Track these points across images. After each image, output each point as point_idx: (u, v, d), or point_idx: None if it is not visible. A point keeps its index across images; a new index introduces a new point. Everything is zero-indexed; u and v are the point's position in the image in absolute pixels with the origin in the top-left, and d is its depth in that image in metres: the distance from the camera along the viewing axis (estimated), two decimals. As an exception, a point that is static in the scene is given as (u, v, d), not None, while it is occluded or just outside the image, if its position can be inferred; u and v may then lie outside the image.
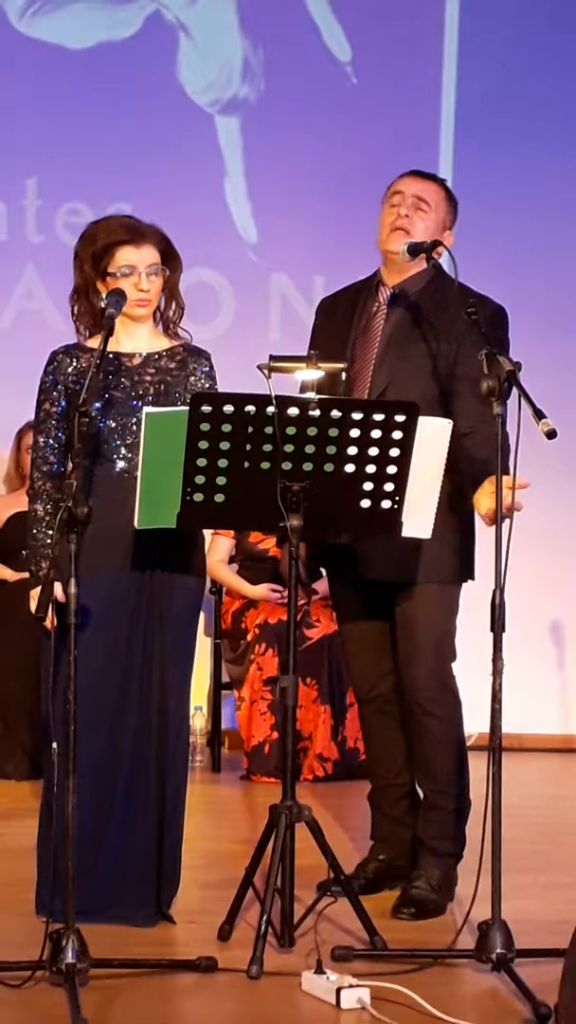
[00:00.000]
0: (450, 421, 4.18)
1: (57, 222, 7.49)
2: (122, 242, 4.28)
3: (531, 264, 7.58)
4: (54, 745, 3.81)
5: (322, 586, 6.11)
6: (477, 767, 4.42)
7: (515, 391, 3.91)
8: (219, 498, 4.00)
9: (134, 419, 4.24)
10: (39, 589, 4.05)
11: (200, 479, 3.98)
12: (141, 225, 4.33)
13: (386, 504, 4.08)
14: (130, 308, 4.25)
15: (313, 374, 4.32)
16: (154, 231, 4.34)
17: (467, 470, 4.30)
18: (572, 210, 7.74)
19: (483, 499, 4.17)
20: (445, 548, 4.46)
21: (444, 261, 4.56)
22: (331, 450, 4.01)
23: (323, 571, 5.13)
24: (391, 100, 7.65)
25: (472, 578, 4.57)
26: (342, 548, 4.54)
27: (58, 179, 7.51)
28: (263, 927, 3.90)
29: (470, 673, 4.54)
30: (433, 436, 4.08)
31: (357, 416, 3.99)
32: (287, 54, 7.68)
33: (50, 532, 4.23)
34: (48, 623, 4.04)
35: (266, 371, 4.12)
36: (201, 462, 3.97)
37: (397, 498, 4.08)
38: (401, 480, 4.06)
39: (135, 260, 4.27)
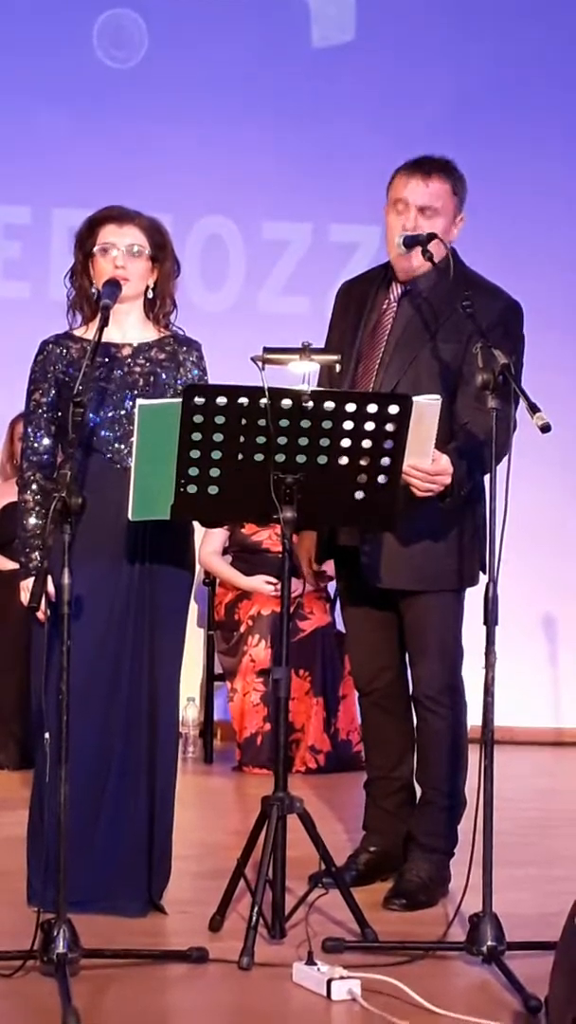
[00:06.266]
0: (439, 397, 4.16)
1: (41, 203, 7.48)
2: (104, 220, 4.31)
3: (527, 257, 7.55)
4: (46, 735, 3.82)
5: (330, 567, 6.07)
6: (469, 760, 4.43)
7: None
8: (213, 490, 4.00)
9: (124, 410, 4.24)
10: (31, 580, 4.06)
11: (194, 471, 3.98)
12: (129, 209, 4.35)
13: (380, 496, 4.08)
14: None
15: (306, 366, 4.32)
16: (143, 216, 4.35)
17: (456, 468, 4.28)
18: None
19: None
20: (451, 556, 4.45)
21: (463, 248, 4.48)
22: (325, 442, 4.00)
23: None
24: (395, 83, 7.62)
25: (476, 583, 4.53)
26: (348, 553, 4.54)
27: (39, 160, 7.47)
28: (254, 918, 3.90)
29: (464, 666, 4.54)
30: (423, 412, 4.07)
31: (351, 408, 3.99)
32: (287, 40, 7.66)
33: (40, 522, 4.23)
34: (41, 614, 4.05)
35: (260, 363, 4.11)
36: (194, 454, 3.97)
37: (391, 490, 4.08)
38: (395, 472, 4.06)
39: (114, 238, 4.29)
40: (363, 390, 4.43)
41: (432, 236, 4.36)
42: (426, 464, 4.17)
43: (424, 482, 4.19)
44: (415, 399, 4.04)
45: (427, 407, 4.08)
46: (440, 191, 4.44)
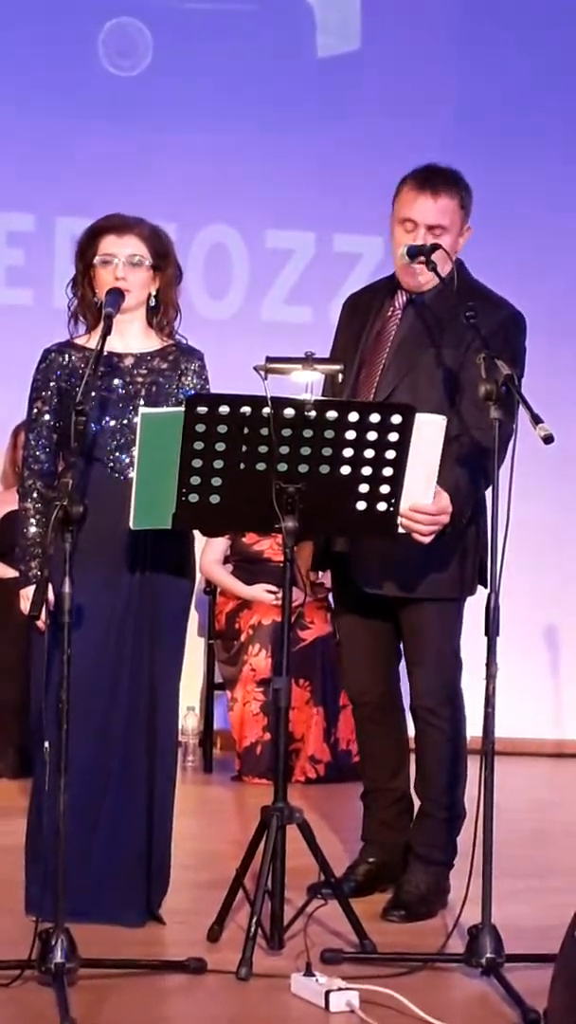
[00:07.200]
0: (443, 417, 4.15)
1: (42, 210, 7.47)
2: (104, 231, 4.30)
3: (532, 267, 7.55)
4: (45, 744, 3.81)
5: (326, 578, 6.07)
6: (470, 771, 4.41)
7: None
8: (214, 499, 4.00)
9: (125, 420, 4.24)
10: (31, 588, 4.05)
11: (195, 480, 3.98)
12: (129, 218, 4.34)
13: (382, 506, 4.08)
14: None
15: (309, 376, 4.31)
16: (143, 225, 4.33)
17: (455, 499, 4.26)
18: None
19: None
20: (451, 564, 4.43)
21: (465, 256, 4.48)
22: (327, 452, 4.00)
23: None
24: (400, 92, 7.62)
25: (474, 592, 4.50)
26: (344, 558, 4.53)
27: (43, 168, 7.47)
28: (253, 929, 3.89)
29: (464, 677, 4.53)
30: (426, 432, 4.07)
31: (353, 418, 3.98)
32: (291, 49, 7.66)
33: (40, 530, 4.23)
34: (41, 623, 4.04)
35: (263, 372, 4.11)
36: (196, 463, 3.96)
37: (393, 500, 4.08)
38: (397, 482, 4.06)
39: (114, 249, 4.28)
40: (364, 396, 4.44)
41: (436, 246, 4.36)
42: (427, 502, 4.15)
43: (428, 525, 4.18)
44: (418, 414, 4.02)
45: (428, 424, 4.07)
46: (448, 207, 4.42)
